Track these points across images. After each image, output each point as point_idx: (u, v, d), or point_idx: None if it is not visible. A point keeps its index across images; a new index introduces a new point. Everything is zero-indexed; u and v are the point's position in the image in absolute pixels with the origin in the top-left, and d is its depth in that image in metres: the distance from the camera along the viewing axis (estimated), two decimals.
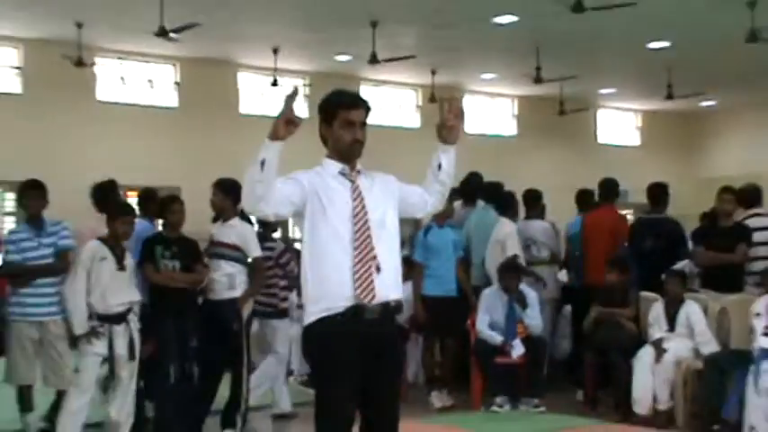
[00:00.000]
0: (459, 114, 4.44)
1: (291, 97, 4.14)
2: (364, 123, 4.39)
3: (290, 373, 8.03)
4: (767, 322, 4.76)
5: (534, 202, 10.24)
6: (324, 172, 4.36)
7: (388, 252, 4.29)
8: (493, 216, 9.55)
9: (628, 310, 8.54)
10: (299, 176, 4.31)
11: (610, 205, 9.63)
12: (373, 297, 4.17)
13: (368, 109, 4.42)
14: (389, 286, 4.25)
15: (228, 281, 7.43)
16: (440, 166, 4.49)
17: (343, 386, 4.16)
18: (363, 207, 4.28)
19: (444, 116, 4.42)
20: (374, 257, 4.21)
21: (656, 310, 8.12)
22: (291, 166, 4.30)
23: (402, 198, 4.50)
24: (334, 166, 4.37)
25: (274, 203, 4.20)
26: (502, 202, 9.73)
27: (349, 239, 4.21)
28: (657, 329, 7.99)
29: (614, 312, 8.54)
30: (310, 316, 4.25)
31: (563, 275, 10.28)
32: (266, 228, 8.53)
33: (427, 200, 4.57)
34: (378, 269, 4.20)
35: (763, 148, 24.94)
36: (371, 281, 4.18)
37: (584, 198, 10.40)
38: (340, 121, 4.35)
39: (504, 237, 9.30)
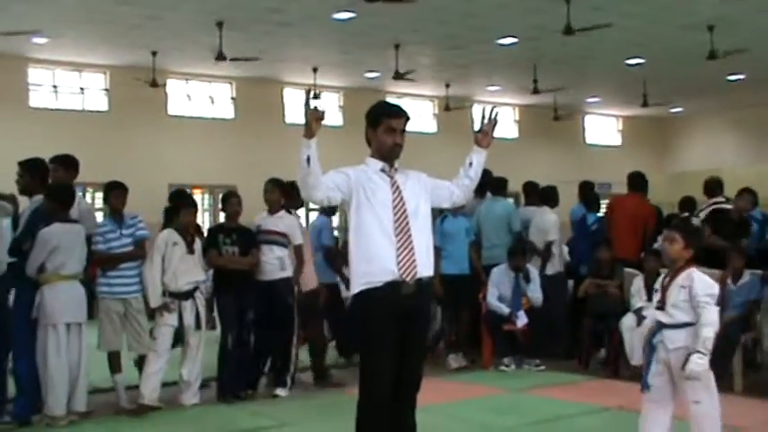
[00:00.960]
0: (494, 124, 4.56)
1: (308, 100, 4.15)
2: (404, 130, 4.38)
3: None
4: (660, 297, 4.73)
5: (533, 192, 10.15)
6: (368, 169, 4.37)
7: (422, 236, 4.30)
8: (500, 206, 9.52)
9: (614, 281, 8.52)
10: (347, 170, 4.34)
11: (636, 194, 9.48)
12: (411, 274, 4.19)
13: (407, 118, 4.42)
14: (423, 264, 4.26)
15: (280, 263, 7.41)
16: (471, 164, 4.59)
17: (383, 346, 4.18)
18: (401, 199, 4.29)
19: (484, 124, 4.53)
20: (411, 241, 4.22)
21: (637, 283, 8.03)
22: (325, 166, 4.27)
23: (432, 190, 4.50)
24: (376, 164, 4.38)
25: (325, 189, 4.23)
26: (542, 194, 9.83)
27: (390, 225, 4.23)
28: (638, 300, 7.90)
29: (606, 283, 8.52)
30: (356, 287, 4.27)
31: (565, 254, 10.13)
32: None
33: (454, 191, 4.59)
34: (414, 250, 4.22)
35: (722, 147, 24.96)
36: (410, 260, 4.20)
37: (585, 189, 10.33)
38: (384, 127, 4.34)
39: (549, 224, 9.35)
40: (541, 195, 9.93)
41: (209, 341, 7.30)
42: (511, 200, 9.83)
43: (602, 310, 8.33)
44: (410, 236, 4.23)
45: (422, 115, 22.48)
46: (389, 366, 4.19)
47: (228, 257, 7.28)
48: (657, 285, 4.86)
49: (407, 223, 4.25)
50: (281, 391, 7.42)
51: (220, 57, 14.99)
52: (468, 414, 6.63)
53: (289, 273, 7.45)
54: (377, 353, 4.19)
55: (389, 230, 4.22)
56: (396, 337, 4.19)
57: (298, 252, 7.57)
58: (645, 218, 9.08)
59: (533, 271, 8.77)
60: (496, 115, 4.57)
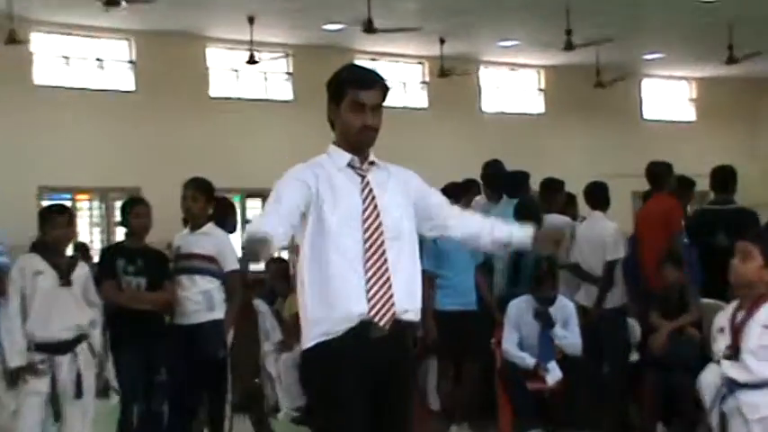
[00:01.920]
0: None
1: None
2: (379, 106, 4.39)
3: (276, 409, 8.03)
4: (731, 341, 4.61)
5: (553, 194, 10.23)
6: (329, 163, 4.39)
7: (403, 263, 4.34)
8: None
9: (688, 315, 8.53)
10: (302, 175, 4.32)
11: (661, 195, 9.59)
12: (386, 316, 4.24)
13: (385, 89, 4.43)
14: (403, 302, 4.30)
15: (206, 300, 7.42)
16: (504, 245, 4.66)
17: (349, 417, 4.23)
18: (375, 208, 4.32)
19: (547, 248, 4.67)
20: (386, 270, 4.27)
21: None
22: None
23: (418, 204, 4.52)
24: (342, 156, 4.39)
25: (285, 233, 4.19)
26: (590, 195, 9.88)
27: (358, 248, 4.26)
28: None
29: (681, 323, 8.50)
30: (309, 340, 4.30)
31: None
32: None
33: (451, 226, 4.61)
34: (390, 283, 4.25)
35: None
36: (384, 296, 4.25)
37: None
38: (349, 102, 4.36)
39: (609, 236, 9.40)
40: (589, 197, 10.01)
41: (100, 414, 7.30)
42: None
43: (674, 360, 8.35)
44: (386, 263, 4.26)
45: (406, 84, 22.58)
46: None
47: (132, 293, 7.30)
48: (723, 322, 4.83)
49: (382, 245, 4.28)
50: None
51: (111, 1, 14.87)
52: None
53: (219, 313, 7.47)
54: (340, 424, 4.25)
55: (357, 256, 4.25)
56: (365, 401, 4.25)
57: (232, 282, 7.60)
58: (675, 225, 9.26)
59: (568, 305, 8.84)
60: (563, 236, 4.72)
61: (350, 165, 4.38)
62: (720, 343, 4.78)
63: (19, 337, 6.71)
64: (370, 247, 4.26)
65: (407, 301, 4.32)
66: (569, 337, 8.74)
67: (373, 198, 4.33)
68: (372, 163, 4.42)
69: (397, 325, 4.28)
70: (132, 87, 19.56)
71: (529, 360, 8.64)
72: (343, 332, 4.18)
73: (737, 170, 9.86)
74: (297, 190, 4.26)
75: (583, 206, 10.37)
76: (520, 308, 8.82)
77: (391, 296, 4.24)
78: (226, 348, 7.47)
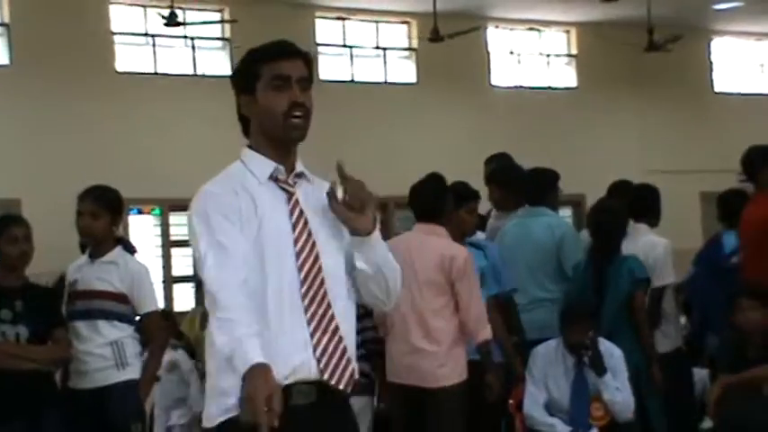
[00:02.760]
0: (364, 204, 4.48)
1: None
2: (304, 80, 4.50)
3: None
4: None
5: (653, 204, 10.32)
6: (248, 175, 4.48)
7: (347, 308, 4.52)
8: (543, 225, 9.65)
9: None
10: (227, 219, 4.35)
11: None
12: (344, 376, 4.39)
13: (308, 62, 4.56)
14: (351, 359, 4.45)
15: (114, 353, 7.48)
16: (354, 268, 4.58)
17: None
18: (310, 236, 4.43)
19: (335, 207, 4.49)
20: (333, 318, 4.40)
21: None
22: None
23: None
24: (263, 165, 4.49)
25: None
26: (641, 199, 10.08)
27: (294, 294, 4.37)
28: None
29: (755, 376, 8.58)
30: (215, 416, 4.38)
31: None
32: None
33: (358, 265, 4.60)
34: (340, 334, 4.40)
35: None
36: (336, 350, 4.39)
37: (733, 204, 10.45)
38: (267, 81, 4.47)
39: (658, 258, 9.59)
40: (633, 204, 10.08)
41: None
42: (567, 214, 9.99)
43: (752, 427, 8.41)
44: (330, 307, 4.40)
45: (387, 52, 22.62)
46: None
47: (9, 347, 7.32)
48: None
49: (322, 283, 4.40)
50: None
51: None
52: None
53: (133, 372, 7.56)
54: None
55: (295, 296, 4.37)
56: None
57: (150, 326, 7.70)
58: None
59: (615, 351, 8.89)
60: (362, 191, 4.51)
61: (272, 177, 4.48)
62: None
63: None
64: (309, 287, 4.38)
65: (352, 358, 4.46)
66: (618, 391, 8.79)
67: (306, 223, 4.45)
68: (300, 175, 4.54)
69: (345, 385, 4.42)
70: (6, 61, 19.51)
71: (561, 428, 8.71)
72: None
73: None
74: (236, 240, 4.32)
75: None
76: (546, 355, 8.87)
77: (345, 351, 4.41)
78: (144, 420, 7.53)
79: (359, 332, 8.09)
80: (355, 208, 4.41)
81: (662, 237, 9.82)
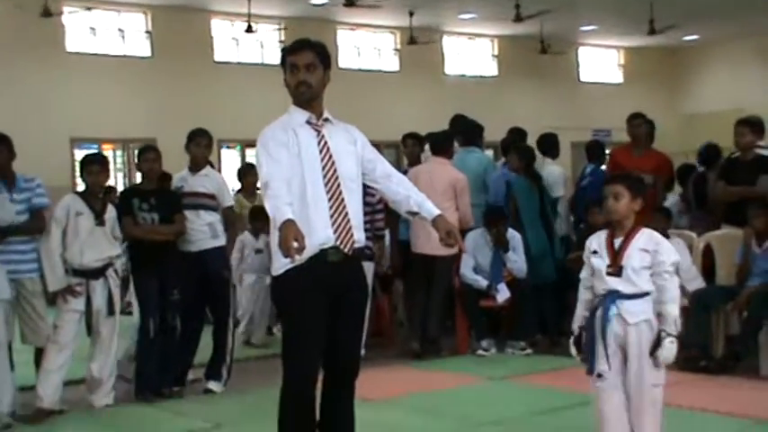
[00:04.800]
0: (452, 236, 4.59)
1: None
2: (310, 65, 4.52)
3: (236, 323, 8.05)
4: (610, 260, 4.85)
5: (554, 146, 10.31)
6: (291, 121, 4.55)
7: (355, 202, 4.53)
8: (475, 158, 9.64)
9: None
10: (280, 137, 4.47)
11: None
12: (349, 243, 4.44)
13: (317, 51, 4.57)
14: (359, 231, 4.52)
15: (210, 230, 7.46)
16: (413, 214, 4.72)
17: (308, 324, 4.43)
18: (330, 157, 4.49)
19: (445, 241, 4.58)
20: (345, 208, 4.45)
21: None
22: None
23: (364, 156, 4.67)
24: (301, 114, 4.57)
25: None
26: (542, 143, 10.19)
27: (321, 192, 4.42)
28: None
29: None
30: (280, 268, 4.44)
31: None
32: None
33: (380, 184, 4.72)
34: (348, 217, 4.46)
35: (745, 82, 24.95)
36: (346, 227, 4.44)
37: (594, 149, 10.49)
38: (287, 67, 4.55)
39: (553, 178, 9.77)
40: (541, 144, 10.13)
41: (123, 328, 7.32)
42: (489, 152, 9.94)
43: None
44: (343, 201, 4.46)
45: (381, 50, 22.46)
46: (316, 346, 4.45)
47: (148, 227, 7.26)
48: (596, 246, 4.97)
49: (339, 186, 4.47)
50: (214, 386, 7.47)
51: None
52: (439, 407, 6.73)
53: (222, 241, 7.53)
54: (301, 331, 4.45)
55: (320, 196, 4.42)
56: (324, 314, 4.44)
57: (229, 216, 7.68)
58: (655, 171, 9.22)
59: (515, 236, 8.86)
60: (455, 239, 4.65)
61: (308, 122, 4.53)
62: (594, 263, 4.94)
63: (59, 267, 6.77)
64: (330, 188, 4.44)
65: (359, 232, 4.51)
66: (517, 261, 8.79)
67: (328, 149, 4.50)
68: (327, 120, 4.59)
69: (353, 250, 4.47)
70: (148, 53, 19.36)
71: (482, 282, 8.69)
72: (306, 259, 4.26)
73: (657, 123, 9.88)
74: (283, 155, 4.41)
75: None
76: (476, 239, 8.84)
77: (351, 227, 4.45)
78: (230, 270, 7.55)
79: (371, 222, 8.16)
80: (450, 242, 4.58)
81: (558, 166, 9.89)
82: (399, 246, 8.93)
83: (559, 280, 8.86)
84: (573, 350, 5.02)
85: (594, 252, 4.96)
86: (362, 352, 8.29)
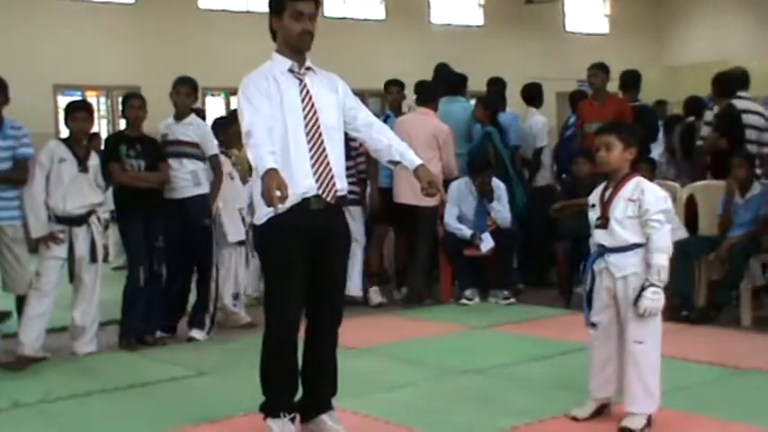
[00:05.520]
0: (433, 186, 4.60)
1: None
2: (314, 15, 4.51)
3: (235, 296, 8.05)
4: (600, 213, 4.81)
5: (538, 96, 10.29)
6: (273, 68, 4.51)
7: (337, 151, 4.52)
8: (459, 107, 9.61)
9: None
10: (261, 85, 4.44)
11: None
12: (331, 191, 4.45)
13: (317, 2, 4.54)
14: (340, 179, 4.53)
15: (193, 178, 7.43)
16: (395, 163, 4.71)
17: (291, 271, 4.44)
18: (313, 106, 4.48)
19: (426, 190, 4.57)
20: (326, 156, 4.44)
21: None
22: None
23: (346, 105, 4.66)
24: (284, 62, 4.54)
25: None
26: (526, 93, 10.26)
27: (303, 140, 4.42)
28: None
29: (578, 202, 8.51)
30: (262, 216, 4.45)
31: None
32: None
33: (361, 132, 4.71)
34: (330, 165, 4.45)
35: (729, 35, 24.87)
36: (327, 175, 4.44)
37: (578, 99, 10.47)
38: (290, 12, 4.46)
39: (537, 128, 9.82)
40: (525, 94, 10.12)
41: (105, 275, 7.33)
42: (473, 101, 9.88)
43: (577, 234, 8.36)
44: (324, 150, 4.45)
45: None
46: (298, 294, 4.47)
47: (135, 174, 7.24)
48: (594, 199, 4.94)
49: (321, 135, 4.45)
50: (197, 334, 7.49)
51: None
52: (420, 355, 6.74)
53: (204, 189, 7.51)
54: (283, 278, 4.46)
55: (302, 144, 4.41)
56: (306, 262, 4.46)
57: (215, 165, 7.62)
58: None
59: (500, 185, 8.85)
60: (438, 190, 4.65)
61: (290, 70, 4.50)
62: (592, 216, 4.90)
63: (42, 213, 6.73)
64: (311, 137, 4.43)
65: (341, 180, 4.52)
66: (502, 210, 8.78)
67: (310, 97, 4.49)
68: (309, 68, 4.57)
69: (335, 199, 4.49)
70: (132, 0, 19.16)
71: (466, 231, 8.69)
72: (288, 208, 4.25)
73: (643, 74, 9.86)
74: (264, 104, 4.38)
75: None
76: (460, 188, 8.82)
77: (332, 176, 4.45)
78: (211, 218, 7.55)
79: (355, 167, 8.15)
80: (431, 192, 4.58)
81: (542, 116, 9.90)
82: (380, 192, 8.85)
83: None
84: (569, 301, 5.04)
85: (593, 206, 4.93)
86: (360, 295, 8.50)
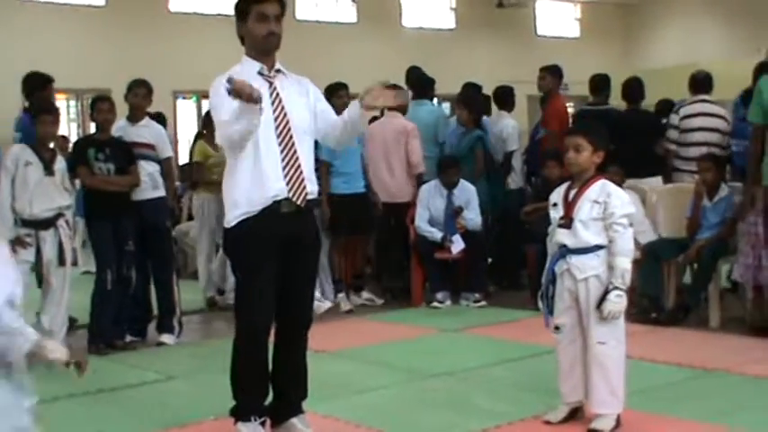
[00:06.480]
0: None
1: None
2: (279, 16, 4.51)
3: (221, 292, 8.03)
4: (564, 213, 4.82)
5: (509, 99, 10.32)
6: (243, 71, 4.47)
7: (307, 154, 4.52)
8: (426, 111, 9.64)
9: None
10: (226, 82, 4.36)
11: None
12: (301, 196, 4.44)
13: (282, 3, 4.55)
14: (311, 183, 4.53)
15: (151, 180, 7.45)
16: (346, 126, 4.67)
17: (261, 272, 4.44)
18: (283, 109, 4.47)
19: (372, 97, 4.54)
20: (297, 160, 4.44)
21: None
22: (222, 65, 4.26)
23: (316, 107, 4.66)
24: (252, 65, 4.55)
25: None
26: (498, 97, 10.29)
27: (274, 144, 4.41)
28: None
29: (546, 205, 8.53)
30: (233, 219, 4.46)
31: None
32: None
33: (326, 133, 4.71)
34: (301, 169, 4.44)
35: (699, 38, 25.06)
36: (298, 179, 4.43)
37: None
38: (254, 15, 4.49)
39: (508, 131, 9.79)
40: (496, 97, 10.17)
41: (74, 279, 7.31)
42: (446, 105, 9.91)
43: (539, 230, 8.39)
44: (296, 153, 4.44)
45: (338, 1, 22.23)
46: (268, 298, 4.47)
47: (104, 177, 7.23)
48: (556, 198, 4.96)
49: (291, 137, 4.44)
50: (167, 339, 7.48)
51: None
52: (391, 358, 6.74)
53: (162, 192, 7.55)
54: (254, 281, 4.46)
55: (274, 148, 4.40)
56: (276, 264, 4.46)
57: (168, 167, 7.69)
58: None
59: (470, 188, 8.86)
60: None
61: (260, 73, 4.51)
62: (555, 215, 4.92)
63: (8, 217, 6.67)
64: (282, 140, 4.42)
65: (311, 183, 4.51)
66: (474, 219, 8.80)
67: (280, 101, 4.48)
68: (279, 71, 4.58)
69: (305, 202, 4.47)
70: (102, 2, 19.06)
71: (437, 234, 8.70)
72: (259, 211, 4.31)
73: (612, 78, 9.93)
74: (234, 105, 4.28)
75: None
76: (430, 191, 8.84)
77: (303, 179, 4.44)
78: (170, 221, 7.60)
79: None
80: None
81: (513, 119, 9.95)
82: (329, 198, 8.52)
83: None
84: (540, 303, 5.04)
85: (555, 205, 4.95)
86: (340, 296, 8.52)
